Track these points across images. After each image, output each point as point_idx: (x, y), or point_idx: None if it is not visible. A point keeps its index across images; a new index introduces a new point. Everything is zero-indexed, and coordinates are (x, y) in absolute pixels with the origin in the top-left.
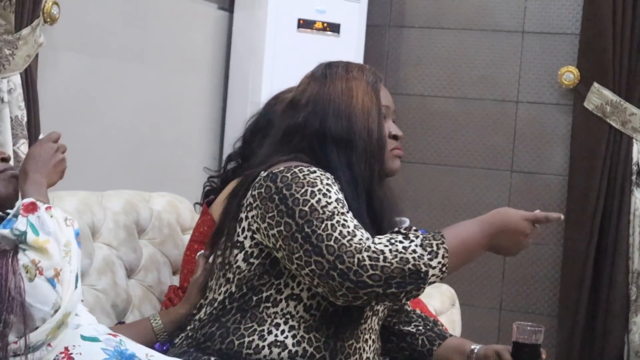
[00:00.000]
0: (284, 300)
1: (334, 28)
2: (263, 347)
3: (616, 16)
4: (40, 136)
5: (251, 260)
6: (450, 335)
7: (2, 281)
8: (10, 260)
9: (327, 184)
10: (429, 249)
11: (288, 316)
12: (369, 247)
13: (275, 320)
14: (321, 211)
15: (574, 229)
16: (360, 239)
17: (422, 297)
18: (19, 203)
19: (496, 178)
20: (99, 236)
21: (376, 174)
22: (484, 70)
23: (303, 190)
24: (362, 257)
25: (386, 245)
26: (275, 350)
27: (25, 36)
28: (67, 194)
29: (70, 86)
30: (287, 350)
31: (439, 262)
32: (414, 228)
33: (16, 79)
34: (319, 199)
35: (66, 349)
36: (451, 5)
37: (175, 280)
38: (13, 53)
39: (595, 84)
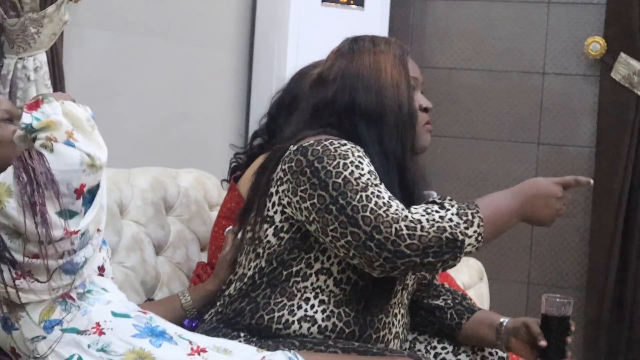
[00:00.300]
0: (314, 275)
1: (359, 1)
2: (293, 322)
3: None
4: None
5: (281, 234)
6: (479, 309)
7: (25, 165)
8: (28, 152)
9: (359, 156)
10: (464, 218)
11: (318, 290)
12: (406, 216)
13: (305, 295)
14: (355, 183)
15: (601, 201)
16: (397, 210)
17: (450, 271)
18: None
19: (523, 151)
20: (127, 214)
21: (408, 149)
22: (509, 42)
23: (335, 163)
24: (400, 226)
25: (423, 215)
26: (305, 325)
27: (50, 14)
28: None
29: (96, 63)
30: (316, 325)
31: (475, 231)
32: (448, 198)
33: (42, 57)
34: (352, 171)
35: (97, 324)
36: None
37: (204, 257)
38: (38, 31)
39: (622, 54)
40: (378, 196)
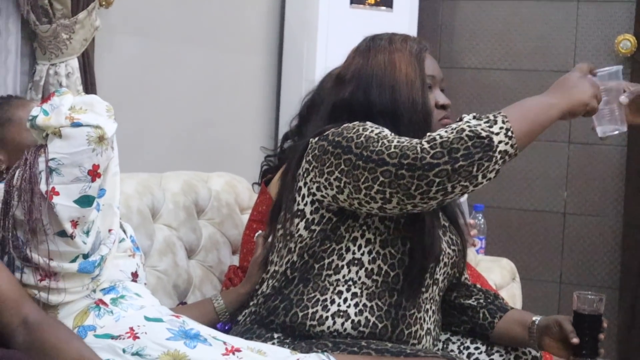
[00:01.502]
0: (345, 267)
1: (387, 3)
2: (327, 317)
3: None
4: None
5: (312, 227)
6: (511, 308)
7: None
8: (36, 149)
9: (377, 127)
10: (485, 119)
11: (350, 283)
12: (427, 135)
13: (337, 288)
14: (375, 137)
15: (633, 200)
16: (407, 138)
17: (482, 271)
18: None
19: (554, 150)
20: (159, 217)
21: None
22: (539, 41)
23: (354, 130)
24: (422, 144)
25: (441, 130)
26: (339, 321)
27: (81, 20)
28: (127, 176)
29: (127, 69)
30: (350, 320)
31: (501, 127)
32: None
33: (74, 63)
34: (372, 130)
35: (131, 329)
36: None
37: (235, 260)
38: (70, 37)
39: None
40: (399, 140)
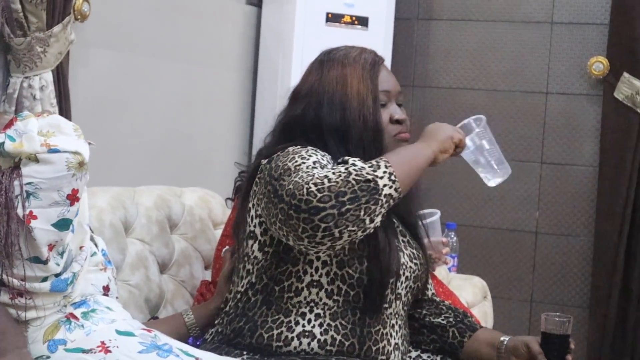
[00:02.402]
0: (305, 289)
1: (363, 21)
2: (292, 338)
3: None
4: None
5: (266, 249)
6: (481, 327)
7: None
8: (10, 172)
9: (314, 152)
10: (369, 164)
11: (312, 304)
12: (313, 175)
13: (300, 310)
14: (293, 169)
15: (605, 221)
16: (307, 173)
17: (454, 289)
18: None
19: (526, 170)
20: (131, 232)
21: None
22: (512, 62)
23: (286, 157)
24: (309, 186)
25: (329, 171)
26: (305, 341)
27: (56, 33)
28: (100, 190)
29: (101, 83)
30: (316, 340)
31: (384, 172)
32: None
33: (48, 77)
34: (296, 161)
35: (102, 342)
36: None
37: (208, 275)
38: (45, 50)
39: (625, 74)
40: (301, 175)
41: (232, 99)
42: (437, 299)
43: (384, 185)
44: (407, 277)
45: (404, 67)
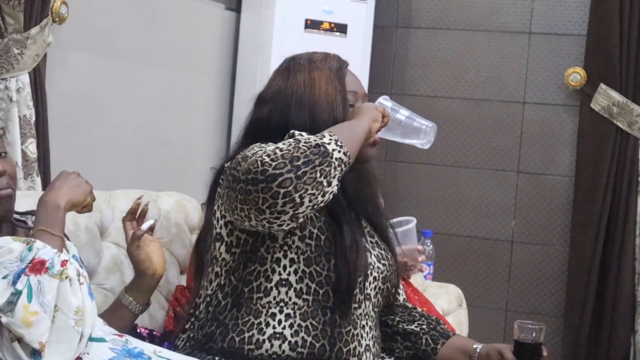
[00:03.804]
0: (274, 288)
1: (341, 28)
2: (264, 340)
3: (623, 17)
4: None
5: (233, 250)
6: (454, 334)
7: None
8: None
9: (269, 144)
10: (313, 135)
11: (282, 304)
12: (264, 149)
13: (270, 310)
14: (249, 155)
15: (580, 230)
16: (260, 150)
17: (430, 297)
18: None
19: (503, 179)
20: (107, 235)
21: None
22: (490, 71)
23: (244, 150)
24: (262, 158)
25: (278, 144)
26: (276, 343)
27: (33, 35)
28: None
29: (78, 86)
30: (287, 342)
31: (330, 139)
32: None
33: (25, 78)
34: (253, 149)
35: None
36: (458, 6)
37: (183, 280)
38: (22, 52)
39: (602, 85)
40: (254, 153)
41: (210, 103)
42: (410, 306)
43: (333, 150)
44: (375, 278)
45: (382, 75)
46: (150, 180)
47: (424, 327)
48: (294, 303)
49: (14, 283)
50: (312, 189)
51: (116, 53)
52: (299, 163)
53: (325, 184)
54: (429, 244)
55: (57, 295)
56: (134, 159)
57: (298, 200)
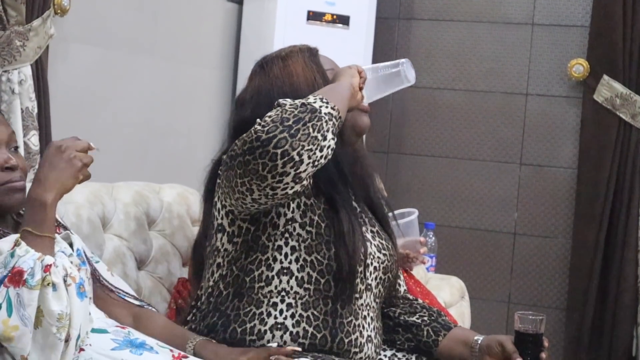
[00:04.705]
0: (275, 277)
1: (344, 20)
2: (265, 331)
3: (626, 8)
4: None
5: (235, 240)
6: (455, 326)
7: None
8: None
9: None
10: (299, 100)
11: (283, 293)
12: (257, 121)
13: (272, 300)
14: (244, 136)
15: (583, 222)
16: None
17: (432, 289)
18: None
19: (505, 171)
20: (109, 227)
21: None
22: (493, 63)
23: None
24: (255, 128)
25: (267, 114)
26: (278, 334)
27: (35, 27)
28: (78, 186)
29: (81, 78)
30: (288, 332)
31: (315, 98)
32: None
33: (27, 71)
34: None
35: None
36: None
37: (185, 272)
38: (24, 44)
39: (605, 77)
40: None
41: (212, 96)
42: (411, 298)
43: (320, 106)
44: (375, 268)
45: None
46: (153, 172)
47: (426, 318)
48: (296, 292)
49: None
50: (309, 145)
51: (118, 45)
52: (290, 123)
53: (320, 138)
54: (431, 236)
55: (39, 302)
56: (137, 151)
57: (297, 158)
